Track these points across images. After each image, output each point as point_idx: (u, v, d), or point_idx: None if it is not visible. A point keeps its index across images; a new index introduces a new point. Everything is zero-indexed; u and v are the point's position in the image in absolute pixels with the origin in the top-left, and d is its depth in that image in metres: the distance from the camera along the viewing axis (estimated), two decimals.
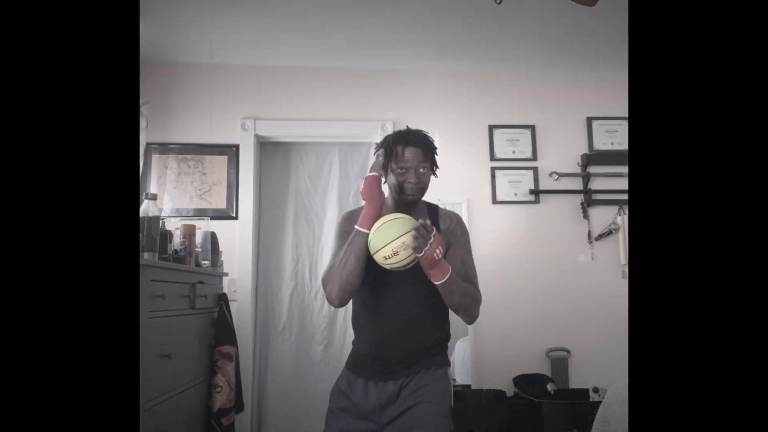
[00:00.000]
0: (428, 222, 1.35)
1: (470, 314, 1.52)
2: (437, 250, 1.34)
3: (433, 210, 1.63)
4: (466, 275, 1.54)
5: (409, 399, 1.46)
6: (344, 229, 1.56)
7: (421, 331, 1.53)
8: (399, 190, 1.53)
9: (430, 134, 1.62)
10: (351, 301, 1.56)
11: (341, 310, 3.03)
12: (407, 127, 1.62)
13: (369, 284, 1.51)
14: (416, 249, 1.33)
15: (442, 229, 1.57)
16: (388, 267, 1.38)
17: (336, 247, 1.57)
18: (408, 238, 1.34)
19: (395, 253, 1.34)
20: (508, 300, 3.02)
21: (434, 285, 1.42)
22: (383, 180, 1.54)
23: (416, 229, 1.32)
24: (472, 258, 1.61)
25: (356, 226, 1.44)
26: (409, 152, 1.52)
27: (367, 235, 1.41)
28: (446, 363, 1.56)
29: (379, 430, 1.48)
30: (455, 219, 1.62)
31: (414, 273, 1.43)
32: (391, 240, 1.35)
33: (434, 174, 1.61)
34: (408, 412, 1.45)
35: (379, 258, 1.38)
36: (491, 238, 3.08)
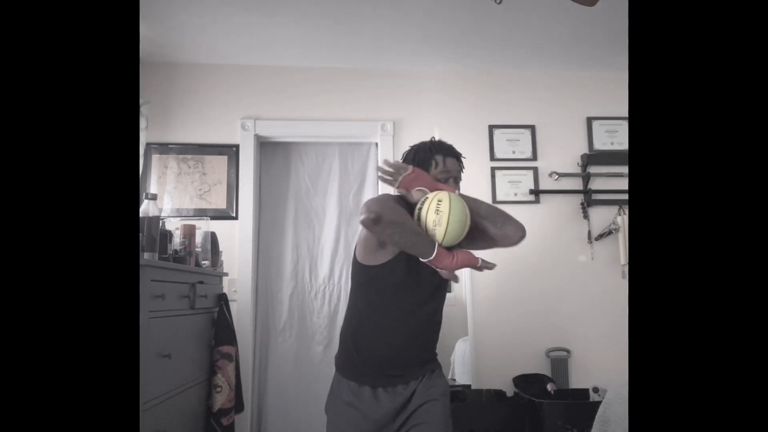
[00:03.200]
0: (386, 160, 1.48)
1: (508, 219, 1.60)
2: (409, 174, 1.44)
3: None
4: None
5: (419, 398, 1.51)
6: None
7: (430, 341, 1.61)
8: None
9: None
10: (346, 317, 1.61)
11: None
12: (433, 138, 1.67)
13: (378, 297, 1.54)
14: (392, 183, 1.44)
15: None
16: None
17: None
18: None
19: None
20: (508, 300, 3.02)
21: (444, 294, 1.59)
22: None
23: (380, 172, 1.44)
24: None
25: (427, 260, 1.41)
26: (452, 163, 1.59)
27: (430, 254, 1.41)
28: (440, 365, 1.64)
29: (389, 427, 1.51)
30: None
31: (435, 284, 1.54)
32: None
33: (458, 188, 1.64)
34: (418, 411, 1.50)
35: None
36: None
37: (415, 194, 1.48)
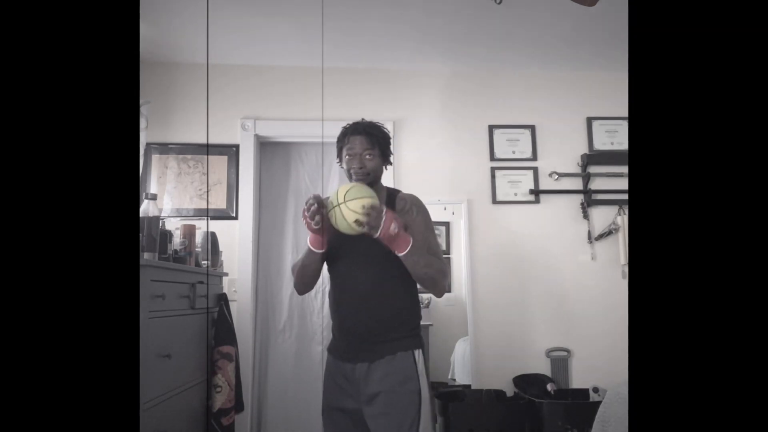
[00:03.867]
0: (376, 202, 1.46)
1: (437, 285, 1.59)
2: (392, 225, 1.44)
3: (392, 194, 1.70)
4: (429, 250, 1.60)
5: (376, 386, 1.53)
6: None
7: (382, 306, 1.57)
8: (348, 175, 1.66)
9: (382, 125, 1.71)
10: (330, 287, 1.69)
11: None
12: (362, 119, 1.72)
13: (338, 262, 1.63)
14: (371, 228, 1.43)
15: (398, 209, 1.64)
16: (355, 218, 1.44)
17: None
18: (370, 201, 1.45)
19: (362, 209, 1.43)
20: (508, 300, 3.02)
21: (397, 261, 1.51)
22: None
23: (366, 210, 1.42)
24: (434, 234, 1.69)
25: (309, 245, 1.56)
26: (355, 140, 1.64)
27: (321, 254, 1.57)
28: (413, 345, 1.59)
29: (359, 408, 1.56)
30: (410, 200, 1.69)
31: (376, 249, 1.52)
32: (358, 197, 1.45)
33: (388, 163, 1.71)
34: (376, 398, 1.52)
35: (349, 215, 1.45)
36: (491, 238, 3.08)
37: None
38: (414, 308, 1.66)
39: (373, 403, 1.53)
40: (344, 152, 1.65)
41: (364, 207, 1.43)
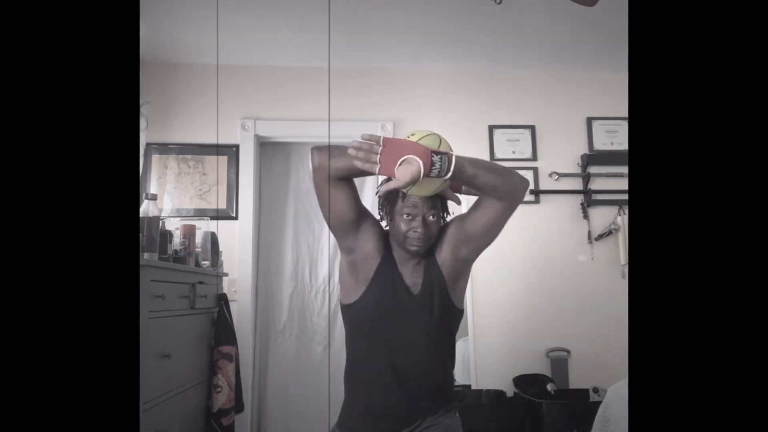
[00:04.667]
0: (355, 141, 1.16)
1: (512, 179, 1.28)
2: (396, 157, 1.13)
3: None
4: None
5: None
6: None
7: (431, 381, 1.38)
8: (402, 237, 1.33)
9: None
10: (349, 354, 1.43)
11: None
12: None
13: (377, 331, 1.37)
14: (367, 166, 1.15)
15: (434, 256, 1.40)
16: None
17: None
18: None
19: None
20: (508, 300, 3.02)
21: (448, 331, 1.37)
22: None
23: (355, 148, 1.14)
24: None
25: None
26: (418, 197, 1.31)
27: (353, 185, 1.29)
28: (453, 407, 1.42)
29: None
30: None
31: (432, 321, 1.35)
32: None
33: (444, 220, 1.41)
34: None
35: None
36: None
37: (400, 173, 1.15)
38: (452, 371, 1.47)
39: None
40: (402, 208, 1.33)
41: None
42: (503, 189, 1.27)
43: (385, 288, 1.35)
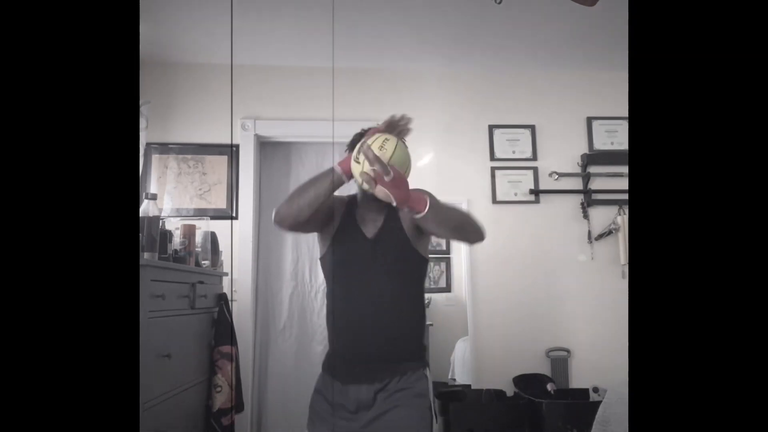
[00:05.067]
0: (366, 146, 1.25)
1: (470, 229, 1.44)
2: (395, 178, 1.22)
3: None
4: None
5: (385, 403, 1.40)
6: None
7: (393, 327, 1.44)
8: (363, 188, 1.47)
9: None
10: (326, 302, 1.55)
11: None
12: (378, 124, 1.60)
13: (342, 278, 1.49)
14: (370, 183, 1.23)
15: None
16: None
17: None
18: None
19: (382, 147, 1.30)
20: (508, 300, 3.02)
21: (409, 278, 1.45)
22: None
23: (371, 158, 1.21)
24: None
25: (338, 167, 1.35)
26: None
27: (341, 178, 1.36)
28: (423, 364, 1.49)
29: (357, 428, 1.42)
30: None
31: (388, 263, 1.43)
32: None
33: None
34: (384, 416, 1.40)
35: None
36: (491, 238, 3.06)
37: (365, 157, 1.25)
38: (423, 324, 1.54)
39: (379, 421, 1.40)
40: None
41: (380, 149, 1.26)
42: (456, 238, 1.50)
43: (346, 236, 1.50)
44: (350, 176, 1.36)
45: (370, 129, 1.46)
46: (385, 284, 1.44)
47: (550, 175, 3.17)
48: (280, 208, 1.43)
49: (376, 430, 1.40)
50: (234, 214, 2.99)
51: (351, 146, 1.56)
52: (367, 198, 1.49)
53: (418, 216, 1.30)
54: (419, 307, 1.53)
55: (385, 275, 1.44)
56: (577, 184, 3.17)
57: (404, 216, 1.49)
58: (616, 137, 3.23)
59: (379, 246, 1.46)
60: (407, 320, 1.47)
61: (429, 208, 1.29)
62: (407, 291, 1.48)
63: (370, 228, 1.51)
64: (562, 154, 3.20)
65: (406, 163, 1.37)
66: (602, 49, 2.98)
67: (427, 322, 3.17)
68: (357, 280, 1.46)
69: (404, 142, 1.43)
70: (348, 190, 1.59)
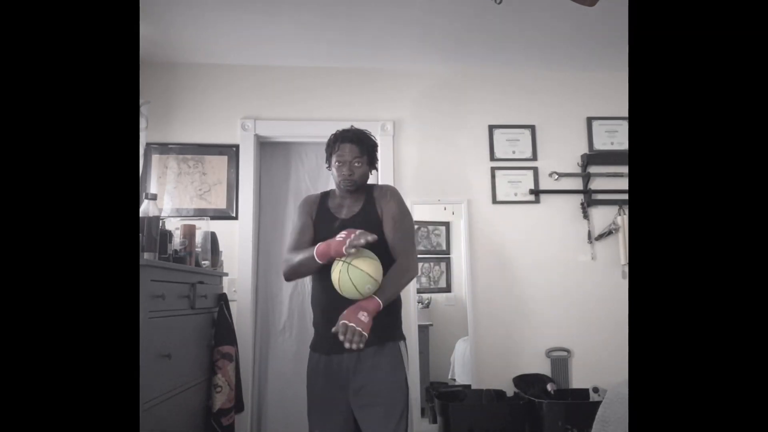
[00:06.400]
0: (344, 326, 1.45)
1: (411, 277, 1.67)
2: (362, 316, 1.45)
3: (369, 191, 1.80)
4: (402, 234, 1.69)
5: (365, 377, 1.60)
6: (303, 210, 1.82)
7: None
8: (337, 181, 1.75)
9: (370, 133, 1.81)
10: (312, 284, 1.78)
11: None
12: (351, 126, 1.82)
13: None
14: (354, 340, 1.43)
15: (375, 195, 1.76)
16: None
17: (297, 224, 1.80)
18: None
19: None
20: (508, 300, 3.02)
21: (382, 256, 1.58)
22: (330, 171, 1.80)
23: (344, 334, 1.43)
24: (409, 217, 1.76)
25: (315, 255, 1.56)
26: (345, 148, 1.73)
27: (319, 265, 1.58)
28: (398, 337, 1.69)
29: (347, 399, 1.62)
30: (385, 187, 1.81)
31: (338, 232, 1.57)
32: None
33: (374, 168, 1.82)
34: (364, 389, 1.59)
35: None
36: (491, 238, 3.08)
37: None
38: (396, 302, 1.71)
39: (360, 394, 1.60)
40: (333, 158, 1.75)
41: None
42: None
43: (323, 220, 1.75)
44: (325, 260, 1.56)
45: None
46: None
47: (550, 175, 3.17)
48: (287, 275, 1.74)
49: (360, 398, 1.59)
50: (234, 214, 2.99)
51: (327, 151, 1.80)
52: (344, 191, 1.76)
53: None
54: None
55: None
56: (577, 184, 3.17)
57: (382, 207, 1.72)
58: (616, 137, 3.23)
59: (350, 225, 1.62)
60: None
61: (383, 302, 1.52)
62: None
63: (345, 213, 1.75)
64: (562, 154, 3.20)
65: (351, 286, 1.53)
66: (602, 49, 2.98)
67: (428, 322, 3.18)
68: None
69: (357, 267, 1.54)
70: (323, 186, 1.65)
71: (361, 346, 1.43)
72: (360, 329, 1.43)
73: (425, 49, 2.99)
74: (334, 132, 1.80)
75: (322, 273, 1.64)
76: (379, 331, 1.58)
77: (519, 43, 2.94)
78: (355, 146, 1.73)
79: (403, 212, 1.75)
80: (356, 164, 1.73)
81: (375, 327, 1.56)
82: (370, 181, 1.84)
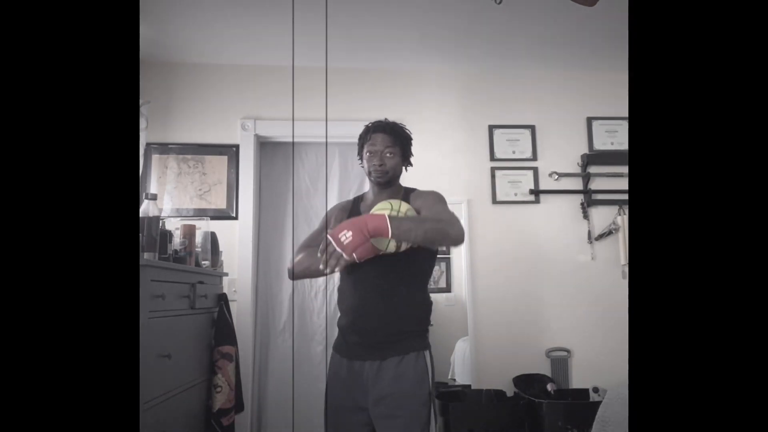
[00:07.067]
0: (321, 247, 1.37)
1: (447, 234, 1.47)
2: (344, 235, 1.34)
3: (407, 191, 1.70)
4: (436, 208, 1.57)
5: (387, 387, 1.50)
6: (329, 216, 1.73)
7: (398, 305, 1.55)
8: (368, 173, 1.67)
9: (405, 126, 1.72)
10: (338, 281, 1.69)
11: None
12: (385, 118, 1.72)
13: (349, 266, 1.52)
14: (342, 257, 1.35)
15: (411, 196, 1.66)
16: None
17: (316, 228, 1.76)
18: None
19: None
20: (508, 300, 3.02)
21: (411, 261, 1.53)
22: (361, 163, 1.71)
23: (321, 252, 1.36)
24: (446, 206, 1.60)
25: (344, 255, 1.37)
26: (377, 138, 1.64)
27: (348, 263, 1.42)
28: (424, 347, 1.57)
29: (366, 407, 1.54)
30: (428, 191, 1.69)
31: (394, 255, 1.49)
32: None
33: (408, 163, 1.73)
34: (385, 400, 1.50)
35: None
36: (491, 238, 3.08)
37: (374, 246, 1.41)
38: (427, 308, 1.64)
39: (382, 404, 1.51)
40: (365, 149, 1.66)
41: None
42: (432, 245, 1.62)
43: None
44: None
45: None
46: (388, 270, 1.53)
47: (550, 175, 3.17)
48: (295, 275, 1.69)
49: (380, 409, 1.50)
50: (234, 214, 2.99)
51: (359, 143, 1.72)
52: (375, 184, 1.68)
53: (389, 241, 1.41)
54: (422, 289, 1.64)
55: (387, 263, 1.52)
56: (577, 184, 3.17)
57: (420, 205, 1.59)
58: (616, 137, 3.23)
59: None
60: (408, 301, 1.58)
61: (391, 234, 1.37)
62: (408, 274, 1.57)
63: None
64: (562, 154, 3.20)
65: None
66: (602, 49, 2.98)
67: None
68: (359, 269, 1.54)
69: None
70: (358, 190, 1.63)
71: (336, 270, 1.36)
72: (339, 250, 1.33)
73: (425, 49, 2.99)
74: (366, 124, 1.71)
75: (352, 265, 1.50)
76: (404, 339, 1.54)
77: (519, 43, 2.94)
78: (388, 136, 1.64)
79: (441, 202, 1.62)
80: (388, 154, 1.63)
81: (400, 335, 1.53)
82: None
